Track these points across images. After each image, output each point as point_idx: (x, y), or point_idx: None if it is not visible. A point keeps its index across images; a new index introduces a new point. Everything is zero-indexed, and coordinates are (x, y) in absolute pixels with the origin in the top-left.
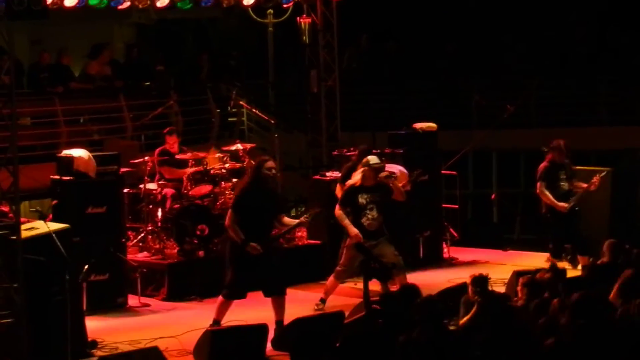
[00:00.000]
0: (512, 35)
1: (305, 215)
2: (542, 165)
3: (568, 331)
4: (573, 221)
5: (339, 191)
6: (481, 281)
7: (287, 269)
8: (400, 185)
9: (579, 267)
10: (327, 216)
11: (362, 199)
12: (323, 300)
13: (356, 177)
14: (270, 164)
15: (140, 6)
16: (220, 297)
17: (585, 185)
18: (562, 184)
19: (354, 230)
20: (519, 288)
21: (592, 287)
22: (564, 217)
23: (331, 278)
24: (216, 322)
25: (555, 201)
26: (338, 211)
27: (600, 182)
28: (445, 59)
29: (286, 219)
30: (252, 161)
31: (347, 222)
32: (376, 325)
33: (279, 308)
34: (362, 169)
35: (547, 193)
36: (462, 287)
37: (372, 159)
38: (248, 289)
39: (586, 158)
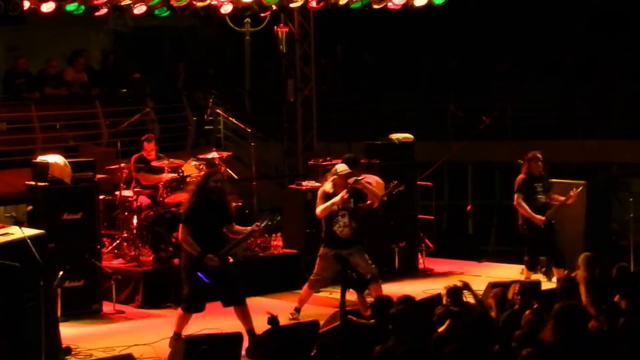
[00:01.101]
0: (490, 49)
1: (257, 223)
2: (520, 177)
3: (555, 342)
4: (549, 234)
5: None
6: (455, 292)
7: (254, 277)
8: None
9: (554, 279)
10: (302, 225)
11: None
12: (298, 310)
13: (327, 185)
14: (217, 176)
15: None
16: (179, 310)
17: (562, 198)
18: (538, 196)
19: (334, 199)
20: (490, 300)
21: (568, 300)
22: (539, 229)
23: (305, 287)
24: (177, 334)
25: (533, 213)
26: (317, 210)
27: (577, 196)
28: (422, 70)
29: (237, 227)
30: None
31: (326, 203)
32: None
33: (244, 317)
34: (331, 178)
35: (525, 205)
36: (437, 298)
37: (340, 167)
38: (206, 301)
39: (560, 171)
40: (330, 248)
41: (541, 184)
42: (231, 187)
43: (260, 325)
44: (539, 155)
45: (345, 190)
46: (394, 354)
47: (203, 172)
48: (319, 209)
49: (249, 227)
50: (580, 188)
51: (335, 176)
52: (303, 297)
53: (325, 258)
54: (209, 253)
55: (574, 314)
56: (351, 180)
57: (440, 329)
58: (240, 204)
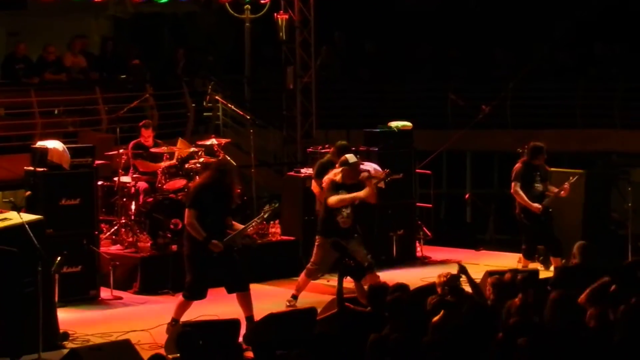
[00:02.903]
0: (489, 38)
1: (255, 219)
2: (517, 165)
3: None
4: (546, 222)
5: (314, 187)
6: (453, 280)
7: (252, 264)
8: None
9: (552, 268)
10: (301, 213)
11: None
12: (295, 297)
13: (337, 175)
14: (234, 171)
15: None
16: (180, 297)
17: (556, 189)
18: (536, 185)
19: (357, 194)
20: (487, 288)
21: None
22: (537, 218)
23: (302, 275)
24: (175, 320)
25: (530, 202)
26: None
27: (571, 188)
28: (422, 58)
29: (234, 223)
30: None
31: (346, 195)
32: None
33: (246, 304)
34: (342, 168)
35: (522, 193)
36: (434, 286)
37: (351, 157)
38: (208, 288)
39: (559, 160)
40: (328, 237)
41: (539, 172)
42: (240, 181)
43: (259, 312)
44: (541, 146)
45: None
46: (388, 342)
47: (218, 161)
48: (335, 199)
49: (241, 225)
50: (576, 177)
51: (346, 167)
52: (300, 285)
53: (323, 247)
54: (213, 239)
55: (569, 303)
56: (364, 175)
57: (435, 318)
58: (238, 191)
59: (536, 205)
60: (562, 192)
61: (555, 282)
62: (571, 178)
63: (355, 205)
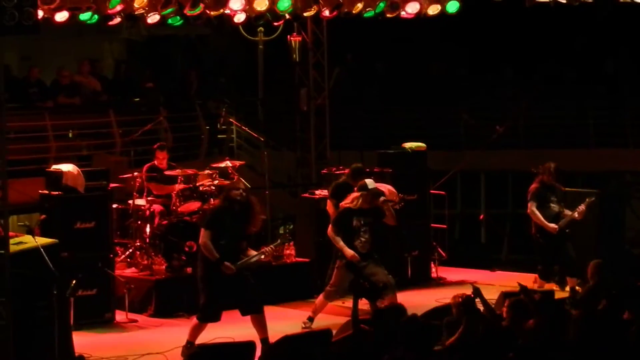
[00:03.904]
0: (501, 57)
1: (271, 245)
2: (533, 186)
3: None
4: (562, 243)
5: (329, 207)
6: (468, 301)
7: (266, 286)
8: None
9: (567, 288)
10: (314, 234)
11: (356, 222)
12: (311, 319)
13: (356, 201)
14: (240, 190)
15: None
16: (194, 319)
17: (571, 212)
18: (552, 205)
19: (349, 251)
20: (504, 309)
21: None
22: (553, 238)
23: (321, 297)
24: (190, 343)
25: (546, 222)
26: (331, 232)
27: (586, 210)
28: (433, 78)
29: (249, 249)
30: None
31: (342, 244)
32: (364, 344)
33: (260, 326)
34: (361, 193)
35: (538, 214)
36: (450, 307)
37: (370, 183)
38: (223, 310)
39: (573, 180)
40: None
41: (555, 193)
42: (260, 206)
43: (274, 334)
44: (553, 166)
45: (354, 255)
46: None
47: (232, 183)
48: (332, 237)
49: (255, 252)
50: (592, 200)
51: (365, 193)
52: (318, 307)
53: (342, 269)
54: (225, 261)
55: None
56: (381, 199)
57: (451, 339)
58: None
59: (552, 225)
60: (577, 215)
61: (580, 302)
62: (587, 200)
63: (374, 229)
